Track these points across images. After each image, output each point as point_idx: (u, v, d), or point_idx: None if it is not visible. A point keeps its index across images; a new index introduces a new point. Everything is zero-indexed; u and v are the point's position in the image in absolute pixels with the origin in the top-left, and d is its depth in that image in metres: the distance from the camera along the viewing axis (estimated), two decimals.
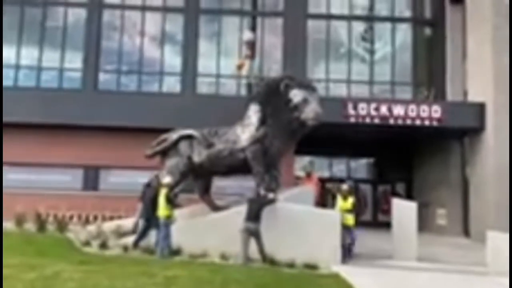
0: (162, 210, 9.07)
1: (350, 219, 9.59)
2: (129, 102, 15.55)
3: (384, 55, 17.13)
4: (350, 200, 9.76)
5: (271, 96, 9.50)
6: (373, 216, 18.95)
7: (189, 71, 16.41)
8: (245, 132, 9.81)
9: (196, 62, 16.51)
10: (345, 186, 9.98)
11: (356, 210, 10.12)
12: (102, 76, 16.53)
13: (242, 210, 8.76)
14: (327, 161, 19.56)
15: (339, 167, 19.81)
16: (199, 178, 10.61)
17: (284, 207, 9.08)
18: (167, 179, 9.44)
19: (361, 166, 20.03)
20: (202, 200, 10.71)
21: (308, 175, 12.68)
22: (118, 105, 15.51)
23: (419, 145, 17.92)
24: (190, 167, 10.14)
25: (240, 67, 15.32)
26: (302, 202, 9.71)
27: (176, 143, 10.28)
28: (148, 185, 9.97)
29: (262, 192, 9.02)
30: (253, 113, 9.85)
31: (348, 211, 9.62)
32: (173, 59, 16.81)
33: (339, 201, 9.86)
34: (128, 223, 10.41)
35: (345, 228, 9.42)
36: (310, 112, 9.06)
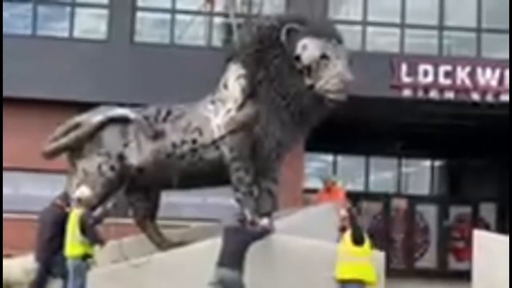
0: (73, 246, 9.15)
1: (366, 270, 8.29)
2: (14, 53, 15.36)
3: None
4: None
5: (265, 51, 9.57)
6: (440, 260, 19.05)
7: (121, 1, 16.32)
8: (220, 112, 9.93)
9: None
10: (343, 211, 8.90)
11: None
12: None
13: (212, 247, 8.74)
14: (360, 163, 19.66)
15: (381, 174, 19.76)
16: (137, 193, 10.70)
17: (285, 242, 9.05)
18: (81, 192, 9.54)
19: (420, 174, 20.06)
20: (141, 229, 10.81)
21: (329, 189, 12.73)
22: None
23: None
24: (123, 173, 10.18)
25: None
26: (317, 233, 9.54)
27: (97, 131, 10.31)
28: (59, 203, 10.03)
29: (248, 216, 9.04)
30: (234, 80, 9.93)
31: (358, 251, 8.37)
32: None
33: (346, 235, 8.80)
34: (13, 266, 10.47)
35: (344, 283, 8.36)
36: (333, 79, 9.15)
